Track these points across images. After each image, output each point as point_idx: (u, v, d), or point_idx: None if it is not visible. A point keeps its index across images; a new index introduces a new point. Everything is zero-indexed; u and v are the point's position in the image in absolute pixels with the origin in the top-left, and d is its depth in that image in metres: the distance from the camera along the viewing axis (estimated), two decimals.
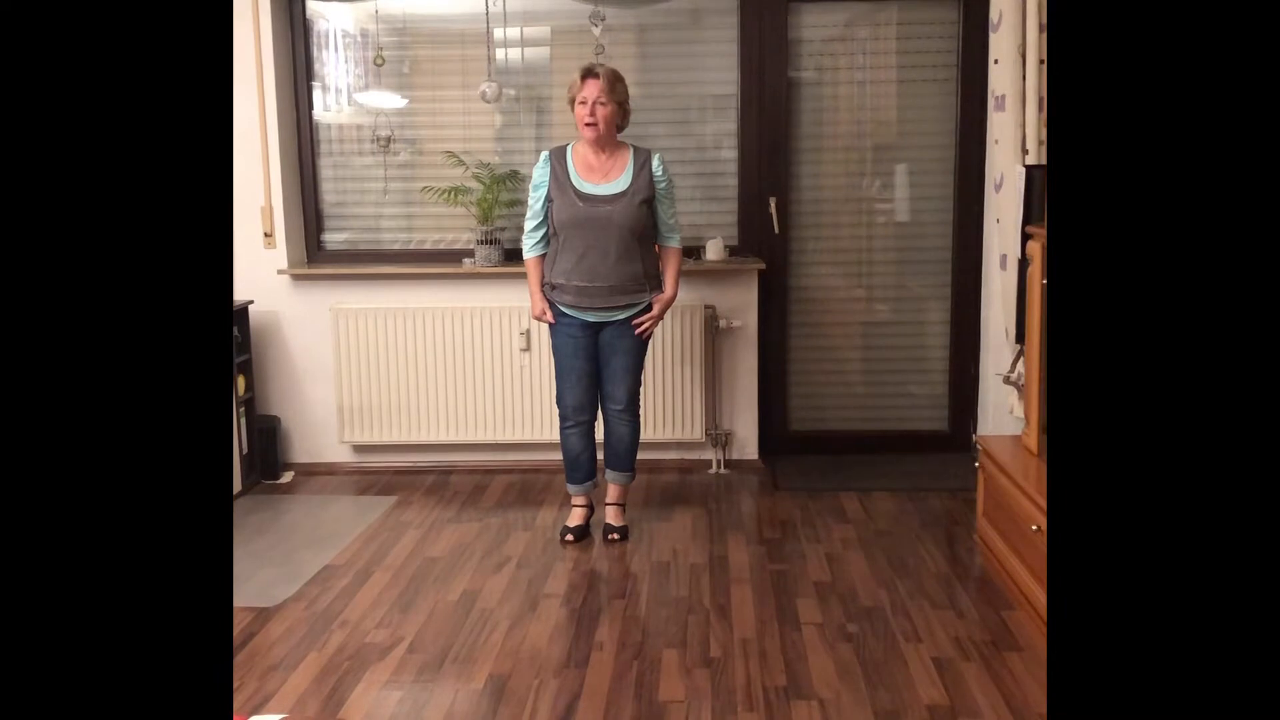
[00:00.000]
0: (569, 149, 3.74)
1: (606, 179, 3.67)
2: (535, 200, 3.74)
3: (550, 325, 3.79)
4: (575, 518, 3.92)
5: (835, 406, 4.87)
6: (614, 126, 3.67)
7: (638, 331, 3.75)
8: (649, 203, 3.68)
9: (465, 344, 4.60)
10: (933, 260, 4.75)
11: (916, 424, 4.87)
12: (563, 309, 3.74)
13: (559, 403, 3.85)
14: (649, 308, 3.75)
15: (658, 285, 3.78)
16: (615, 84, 3.63)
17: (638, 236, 3.68)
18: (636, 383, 3.85)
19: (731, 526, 4.00)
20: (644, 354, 3.87)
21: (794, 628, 3.13)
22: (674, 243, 3.80)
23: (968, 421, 4.76)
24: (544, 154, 3.75)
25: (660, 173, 3.70)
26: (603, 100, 3.59)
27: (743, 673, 2.87)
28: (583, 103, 3.61)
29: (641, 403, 4.00)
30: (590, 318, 3.72)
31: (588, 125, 3.61)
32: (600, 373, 3.82)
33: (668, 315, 4.50)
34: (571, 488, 3.94)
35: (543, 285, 3.78)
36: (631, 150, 3.72)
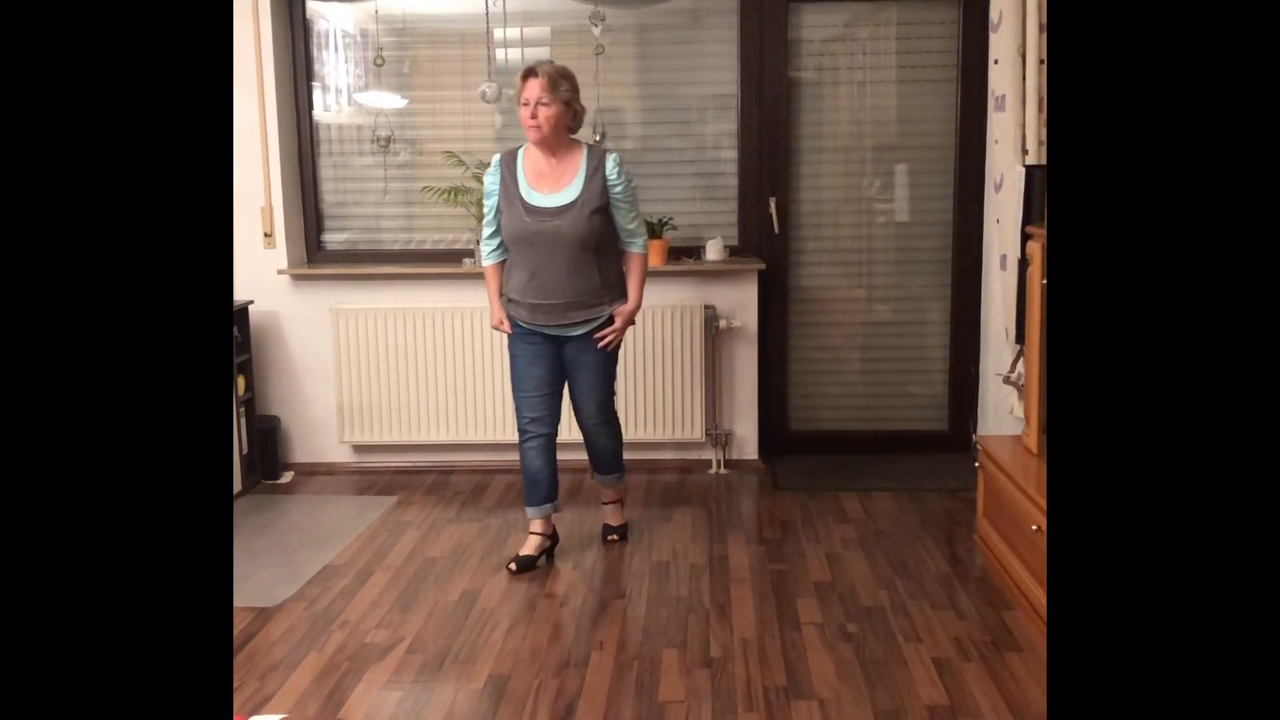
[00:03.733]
0: (520, 153, 3.53)
1: (557, 186, 3.45)
2: (489, 209, 3.55)
3: (508, 335, 3.61)
4: (529, 546, 3.64)
5: (835, 407, 4.87)
6: (562, 128, 3.43)
7: (600, 345, 3.55)
8: (603, 211, 3.45)
9: (465, 344, 4.60)
10: (933, 260, 4.75)
11: (916, 424, 4.87)
12: (519, 323, 3.57)
13: (517, 414, 3.63)
14: (611, 320, 3.56)
15: (620, 295, 3.57)
16: (558, 82, 3.38)
17: (591, 249, 3.46)
18: (608, 393, 3.67)
19: (731, 526, 4.00)
20: (613, 364, 3.66)
21: (794, 628, 3.13)
22: (637, 248, 3.57)
23: (968, 421, 4.76)
24: (495, 158, 3.55)
25: (615, 176, 3.45)
26: (545, 100, 3.36)
27: (743, 673, 2.87)
28: (525, 104, 3.38)
29: (619, 407, 3.84)
30: (549, 332, 3.54)
31: (530, 127, 3.39)
32: (569, 386, 3.65)
33: (667, 315, 4.51)
34: (529, 511, 3.66)
35: (500, 295, 3.61)
36: (585, 151, 3.48)
